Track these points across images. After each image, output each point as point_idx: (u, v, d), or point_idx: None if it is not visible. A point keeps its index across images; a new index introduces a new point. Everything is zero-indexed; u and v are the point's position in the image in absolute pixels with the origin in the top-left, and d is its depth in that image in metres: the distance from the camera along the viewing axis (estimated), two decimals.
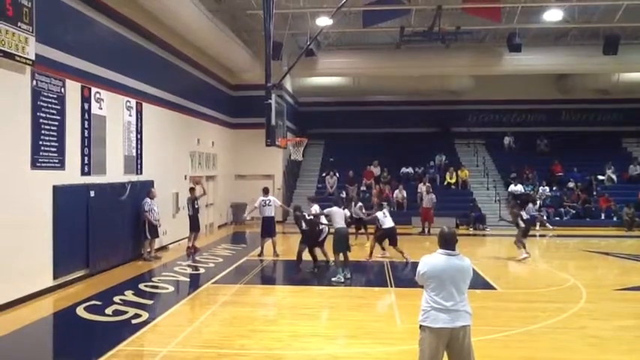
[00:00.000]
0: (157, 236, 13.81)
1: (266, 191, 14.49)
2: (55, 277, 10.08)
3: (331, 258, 11.98)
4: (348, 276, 11.27)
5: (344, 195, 21.93)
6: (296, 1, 18.26)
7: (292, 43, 22.30)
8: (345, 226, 11.64)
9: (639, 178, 24.22)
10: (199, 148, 18.58)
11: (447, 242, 4.76)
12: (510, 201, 19.45)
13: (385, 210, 13.83)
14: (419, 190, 22.90)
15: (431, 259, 4.76)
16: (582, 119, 28.42)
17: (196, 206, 15.10)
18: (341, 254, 11.29)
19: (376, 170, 24.86)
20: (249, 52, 20.36)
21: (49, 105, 9.98)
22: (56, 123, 10.19)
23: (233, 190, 22.38)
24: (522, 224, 13.85)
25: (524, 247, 13.74)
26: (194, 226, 15.05)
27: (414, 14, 19.41)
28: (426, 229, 20.04)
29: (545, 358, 6.76)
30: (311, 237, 12.37)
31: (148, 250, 13.56)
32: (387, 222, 13.46)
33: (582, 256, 15.11)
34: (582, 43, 22.34)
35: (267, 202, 14.18)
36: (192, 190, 15.39)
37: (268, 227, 14.12)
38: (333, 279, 11.07)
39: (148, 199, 13.40)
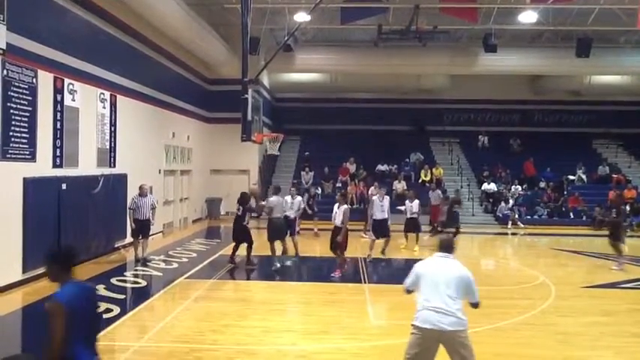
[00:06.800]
0: (146, 236, 12.54)
1: None
2: (24, 271, 9.90)
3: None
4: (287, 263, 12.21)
5: (319, 190, 22.05)
6: None
7: (270, 39, 22.20)
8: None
9: (608, 178, 24.78)
10: (174, 141, 18.41)
11: (444, 247, 5.02)
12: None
13: None
14: (394, 188, 23.08)
15: (426, 261, 5.00)
16: (554, 120, 28.94)
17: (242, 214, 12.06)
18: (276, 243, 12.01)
19: (352, 167, 24.94)
20: (226, 46, 20.21)
21: (20, 95, 9.79)
22: (27, 114, 10.01)
23: (208, 184, 22.23)
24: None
25: None
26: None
27: (392, 12, 19.50)
28: (437, 227, 17.02)
29: (515, 354, 6.89)
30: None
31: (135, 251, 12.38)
32: None
33: (552, 254, 15.39)
34: (556, 46, 22.70)
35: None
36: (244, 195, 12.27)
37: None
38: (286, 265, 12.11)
39: (135, 196, 12.35)
